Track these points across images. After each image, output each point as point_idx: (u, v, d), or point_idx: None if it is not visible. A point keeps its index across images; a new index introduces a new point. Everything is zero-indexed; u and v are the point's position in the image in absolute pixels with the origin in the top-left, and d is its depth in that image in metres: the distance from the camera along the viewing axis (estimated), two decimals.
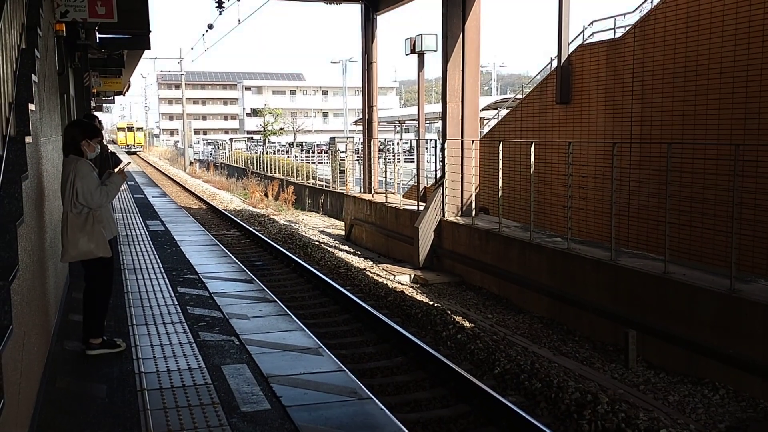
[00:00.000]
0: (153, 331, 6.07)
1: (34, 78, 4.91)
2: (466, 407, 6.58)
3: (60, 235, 5.34)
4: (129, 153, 62.70)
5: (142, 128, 77.96)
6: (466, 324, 9.61)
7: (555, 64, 14.60)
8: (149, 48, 18.59)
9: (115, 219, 7.48)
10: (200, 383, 4.83)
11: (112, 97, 38.15)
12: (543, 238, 11.51)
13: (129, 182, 23.25)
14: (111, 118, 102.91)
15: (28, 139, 4.28)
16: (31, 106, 4.55)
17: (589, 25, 14.36)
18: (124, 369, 5.13)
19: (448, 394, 6.95)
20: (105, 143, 8.04)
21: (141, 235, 11.75)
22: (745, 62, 10.29)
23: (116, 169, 5.56)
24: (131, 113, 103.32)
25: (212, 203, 25.44)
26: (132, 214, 14.67)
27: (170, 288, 7.74)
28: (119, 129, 75.28)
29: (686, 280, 8.34)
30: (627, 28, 12.90)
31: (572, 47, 14.34)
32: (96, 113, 22.18)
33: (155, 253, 10.00)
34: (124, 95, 43.07)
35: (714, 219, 9.93)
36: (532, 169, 11.81)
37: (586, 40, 14.27)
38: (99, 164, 6.65)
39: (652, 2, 12.50)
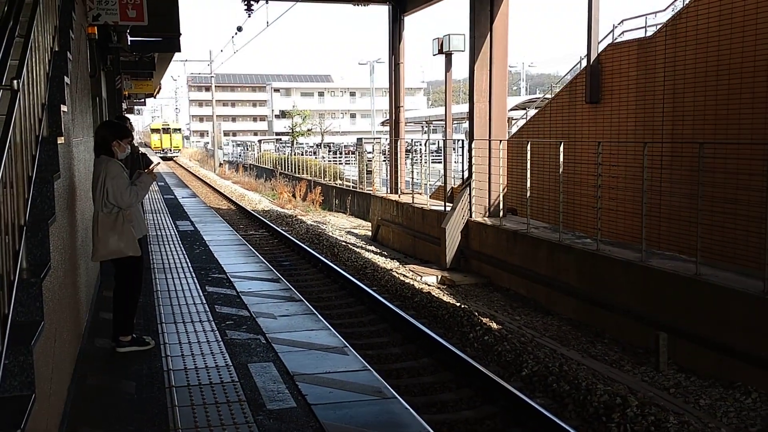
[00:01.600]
0: (181, 329, 6.15)
1: (67, 80, 5.00)
2: (492, 409, 6.54)
3: (91, 234, 5.43)
4: (165, 159, 55.18)
5: (179, 129, 67.92)
6: (494, 325, 9.55)
7: (584, 63, 14.45)
8: (179, 51, 18.83)
9: (146, 219, 7.59)
10: (227, 381, 4.87)
11: (143, 100, 38.72)
12: (572, 239, 11.40)
13: (159, 183, 23.57)
14: (143, 119, 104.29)
15: (60, 140, 4.37)
16: (63, 108, 4.64)
17: (619, 24, 14.19)
18: (152, 366, 5.20)
19: (475, 395, 6.92)
20: (136, 145, 8.17)
21: (171, 235, 11.90)
22: None
23: (146, 170, 5.65)
24: (162, 115, 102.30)
25: (241, 204, 25.66)
26: (162, 215, 14.86)
27: (198, 287, 7.83)
28: (153, 131, 66.59)
29: (718, 282, 8.20)
30: (658, 27, 12.72)
31: (602, 46, 14.17)
32: (127, 115, 22.51)
33: (184, 252, 10.12)
34: (155, 97, 43.69)
35: (747, 220, 9.73)
36: (561, 170, 11.71)
37: (616, 39, 14.10)
38: (130, 165, 6.76)
39: (684, 0, 12.31)
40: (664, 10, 13.15)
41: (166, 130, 64.12)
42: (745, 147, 10.38)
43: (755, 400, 7.28)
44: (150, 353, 5.49)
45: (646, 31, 13.39)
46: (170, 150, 63.13)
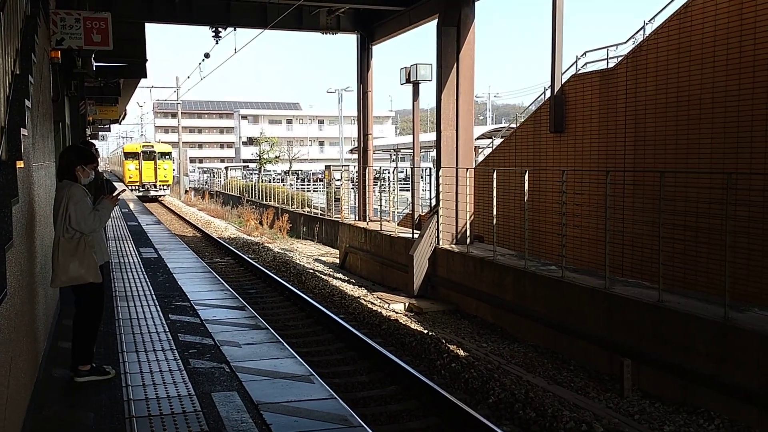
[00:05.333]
0: (143, 358, 6.01)
1: (28, 104, 4.92)
2: None
3: (50, 260, 5.31)
4: (146, 199, 39.96)
5: (169, 154, 45.90)
6: (461, 353, 9.54)
7: (549, 93, 14.72)
8: (145, 76, 18.78)
9: (108, 246, 7.45)
10: (189, 410, 4.76)
11: (108, 125, 38.33)
12: (537, 266, 11.49)
13: (123, 210, 23.21)
14: (107, 145, 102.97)
15: (19, 164, 4.28)
16: (24, 131, 4.55)
17: (582, 56, 14.52)
18: (112, 396, 5.06)
19: (442, 423, 6.87)
20: (100, 171, 8.04)
21: (134, 262, 11.69)
22: (737, 92, 10.39)
23: (109, 196, 5.55)
24: (126, 143, 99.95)
25: (206, 231, 25.39)
26: (125, 242, 14.61)
27: (161, 315, 7.68)
28: (128, 155, 44.57)
29: (680, 309, 8.31)
30: (620, 59, 13.04)
31: (565, 77, 14.48)
32: (92, 141, 22.21)
33: (147, 280, 9.94)
34: (120, 123, 43.26)
35: (708, 247, 9.94)
36: (526, 197, 11.84)
37: (579, 70, 14.42)
38: (94, 191, 6.65)
39: (644, 33, 12.66)
40: (625, 42, 13.52)
41: (149, 155, 43.90)
42: (705, 176, 10.64)
43: (718, 426, 7.35)
44: (110, 383, 5.34)
45: (608, 62, 13.72)
46: (155, 186, 43.86)
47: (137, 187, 42.78)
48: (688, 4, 11.28)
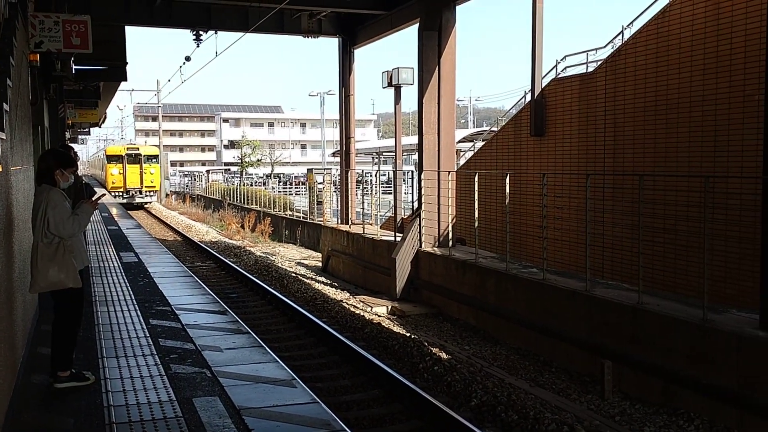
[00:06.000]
0: (123, 364, 5.96)
1: (6, 107, 4.87)
2: None
3: (29, 265, 5.25)
4: (131, 207, 36.87)
5: (156, 157, 41.41)
6: (443, 356, 9.56)
7: (529, 97, 14.83)
8: (125, 80, 18.68)
9: (88, 250, 7.38)
10: (170, 416, 4.73)
11: (87, 129, 37.98)
12: (519, 268, 11.56)
13: (103, 214, 23.00)
14: (87, 149, 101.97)
15: None
16: (1, 135, 4.51)
17: (562, 60, 14.65)
18: (92, 402, 5.02)
19: (425, 426, 6.88)
20: (80, 175, 7.97)
21: (114, 266, 11.59)
22: (714, 96, 10.53)
23: (88, 201, 5.51)
24: (107, 145, 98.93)
25: (188, 235, 25.23)
26: (105, 246, 14.48)
27: (142, 320, 7.62)
28: (110, 158, 40.53)
29: (660, 311, 8.40)
30: (599, 63, 13.17)
31: (546, 81, 14.59)
32: (71, 144, 22.02)
33: (128, 284, 9.86)
34: (100, 127, 42.91)
35: (686, 250, 10.06)
36: (507, 200, 11.91)
37: (560, 74, 14.54)
38: (73, 196, 6.59)
39: (623, 37, 12.80)
40: (604, 46, 13.65)
41: (134, 158, 40.00)
42: (683, 179, 10.76)
43: (698, 426, 7.44)
44: (90, 389, 5.30)
45: (587, 66, 13.85)
46: (140, 192, 39.82)
47: (121, 194, 39.04)
48: (666, 8, 11.42)
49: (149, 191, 40.43)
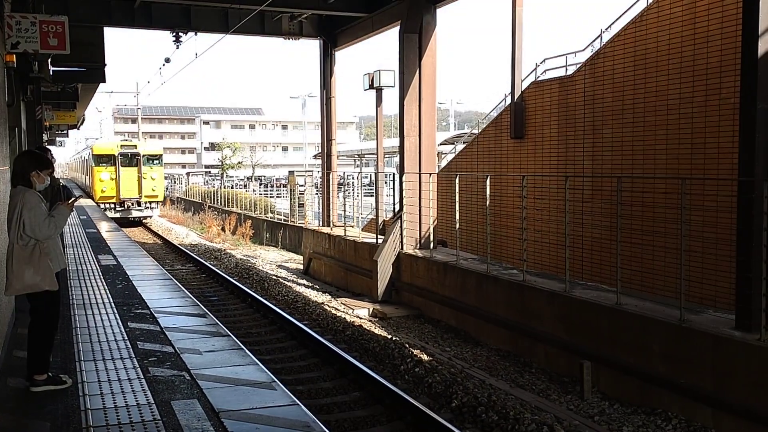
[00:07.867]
0: (101, 367, 5.90)
1: None
2: None
3: (4, 267, 5.19)
4: (126, 222, 29.28)
5: (159, 158, 31.63)
6: (424, 357, 9.58)
7: (509, 100, 14.91)
8: (104, 81, 18.49)
9: (66, 253, 7.30)
10: (148, 419, 4.69)
11: (65, 131, 37.59)
12: (499, 270, 11.61)
13: (81, 216, 22.76)
14: (65, 152, 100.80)
15: None
16: None
17: (541, 63, 14.73)
18: (69, 406, 4.96)
19: (406, 428, 6.89)
20: (57, 177, 7.89)
21: (92, 269, 11.48)
22: (690, 99, 10.66)
23: (65, 202, 5.45)
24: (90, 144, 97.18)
25: (167, 238, 25.06)
26: (83, 249, 14.33)
27: (120, 323, 7.55)
28: (99, 158, 30.33)
29: (637, 311, 8.48)
30: (578, 66, 13.28)
31: (525, 84, 14.68)
32: (48, 147, 21.81)
33: (106, 287, 9.77)
34: (78, 129, 42.44)
35: (664, 251, 10.17)
36: (488, 202, 11.96)
37: (539, 77, 14.63)
38: (50, 198, 6.52)
39: (601, 41, 12.91)
40: (583, 50, 13.76)
41: (130, 158, 30.46)
42: (660, 181, 10.89)
43: (675, 426, 7.51)
44: (66, 392, 5.24)
45: (566, 69, 13.95)
46: (138, 203, 30.38)
47: (113, 206, 29.82)
48: (643, 12, 11.55)
49: (150, 202, 30.84)
